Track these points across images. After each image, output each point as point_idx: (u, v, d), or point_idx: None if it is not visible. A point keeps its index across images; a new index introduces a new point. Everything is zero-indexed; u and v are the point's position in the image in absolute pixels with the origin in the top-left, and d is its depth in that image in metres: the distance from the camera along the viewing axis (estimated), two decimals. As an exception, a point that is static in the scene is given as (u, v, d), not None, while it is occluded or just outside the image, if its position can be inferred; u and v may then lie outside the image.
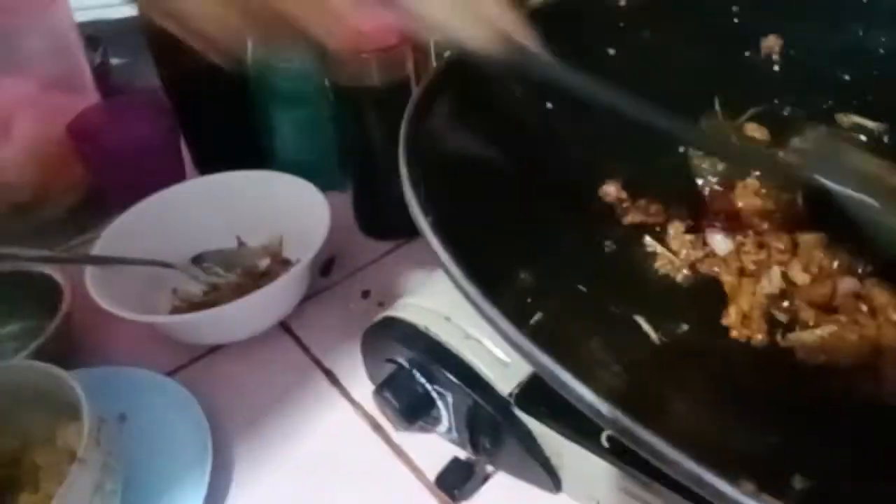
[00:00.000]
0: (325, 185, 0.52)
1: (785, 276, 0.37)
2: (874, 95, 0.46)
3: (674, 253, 0.40)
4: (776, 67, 0.49)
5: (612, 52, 0.47)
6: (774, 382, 0.34)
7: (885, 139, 0.46)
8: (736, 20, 0.49)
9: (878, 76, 0.47)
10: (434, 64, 0.58)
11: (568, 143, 0.42)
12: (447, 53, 0.43)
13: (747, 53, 0.49)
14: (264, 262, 0.53)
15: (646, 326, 0.35)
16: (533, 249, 0.36)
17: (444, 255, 0.27)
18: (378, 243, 0.57)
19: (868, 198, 0.36)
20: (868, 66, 0.47)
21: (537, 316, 0.30)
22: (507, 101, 0.43)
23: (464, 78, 0.41)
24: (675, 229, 0.41)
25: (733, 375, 0.34)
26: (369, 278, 0.53)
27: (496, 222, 0.36)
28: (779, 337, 0.35)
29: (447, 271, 0.27)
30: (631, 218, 0.42)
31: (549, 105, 0.43)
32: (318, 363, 0.46)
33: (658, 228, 0.42)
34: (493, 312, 0.24)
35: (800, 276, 0.37)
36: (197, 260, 0.53)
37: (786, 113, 0.48)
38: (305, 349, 0.48)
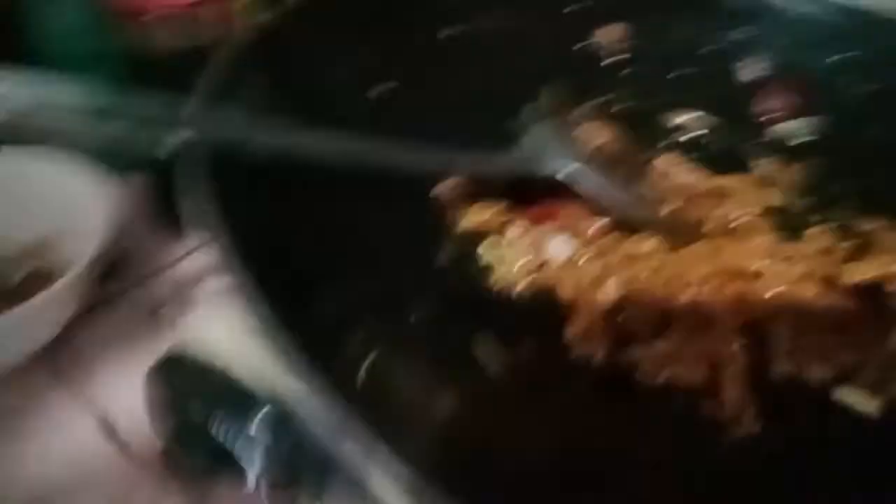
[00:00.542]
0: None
1: (623, 285, 0.35)
2: (701, 94, 0.46)
3: (510, 263, 0.37)
4: (611, 60, 0.47)
5: (446, 34, 0.43)
6: (614, 406, 0.32)
7: (710, 137, 0.46)
8: (573, 7, 0.46)
9: (705, 75, 0.46)
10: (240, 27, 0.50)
11: (397, 134, 0.37)
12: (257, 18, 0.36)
13: (583, 44, 0.47)
14: (21, 273, 0.42)
15: (484, 355, 0.31)
16: (352, 267, 0.31)
17: (240, 287, 0.21)
18: (177, 240, 0.48)
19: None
20: (697, 65, 0.46)
21: (363, 362, 0.24)
22: (328, 83, 0.37)
23: (277, 49, 0.35)
24: (513, 234, 0.38)
25: (574, 402, 0.31)
26: (163, 286, 0.44)
27: (304, 233, 0.30)
28: (619, 354, 0.33)
29: (246, 309, 0.21)
30: (466, 223, 0.38)
31: (378, 90, 0.37)
32: (90, 404, 0.37)
33: (495, 234, 0.38)
34: (297, 366, 0.19)
35: (634, 286, 0.35)
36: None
37: (617, 109, 0.46)
38: (72, 386, 0.38)
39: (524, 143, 0.36)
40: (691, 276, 0.35)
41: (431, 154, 0.32)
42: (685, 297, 0.34)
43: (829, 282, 0.37)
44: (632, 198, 0.37)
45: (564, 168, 0.35)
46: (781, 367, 0.33)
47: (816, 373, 0.33)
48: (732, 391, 0.31)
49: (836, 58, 0.44)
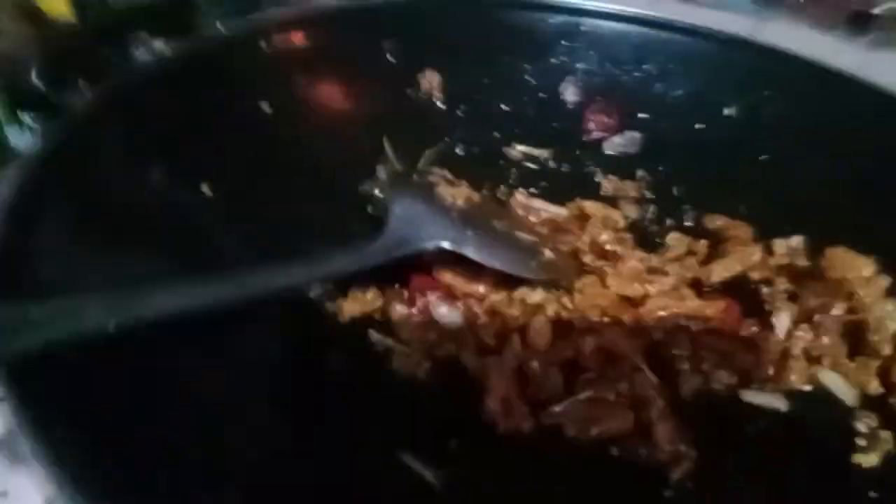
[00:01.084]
0: None
1: (524, 341, 0.34)
2: (532, 123, 0.47)
3: (406, 343, 0.34)
4: (439, 104, 0.46)
5: (266, 108, 0.38)
6: (555, 477, 0.30)
7: (551, 164, 0.46)
8: (391, 58, 0.44)
9: (532, 104, 0.47)
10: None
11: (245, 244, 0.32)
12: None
13: (408, 91, 0.45)
14: None
15: (416, 466, 0.28)
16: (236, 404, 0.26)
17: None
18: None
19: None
20: (522, 95, 0.47)
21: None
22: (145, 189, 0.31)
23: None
24: (398, 313, 0.35)
25: (516, 486, 0.29)
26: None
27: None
28: (543, 417, 0.32)
29: None
30: (349, 310, 0.34)
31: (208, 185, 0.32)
32: None
33: (380, 317, 0.35)
34: None
35: (539, 339, 0.34)
36: None
37: (459, 151, 0.45)
38: None
39: (391, 219, 0.33)
40: (587, 317, 0.35)
41: (302, 267, 0.28)
42: (586, 340, 0.33)
43: (699, 284, 0.39)
44: (510, 251, 0.35)
45: (439, 239, 0.33)
46: (690, 385, 0.34)
47: (723, 380, 0.34)
48: (663, 430, 0.30)
49: (645, 69, 0.46)
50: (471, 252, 0.33)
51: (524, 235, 0.37)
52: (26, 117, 0.52)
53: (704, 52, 0.46)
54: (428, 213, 0.34)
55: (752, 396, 0.33)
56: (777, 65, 0.44)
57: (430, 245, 0.33)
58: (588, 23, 0.48)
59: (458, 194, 0.37)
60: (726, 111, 0.45)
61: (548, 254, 0.37)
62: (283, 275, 0.27)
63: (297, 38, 0.41)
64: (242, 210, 0.34)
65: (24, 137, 0.52)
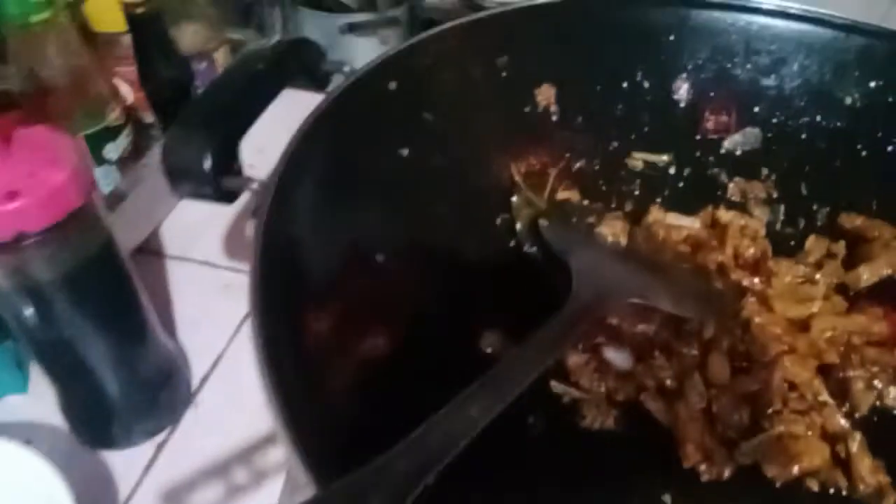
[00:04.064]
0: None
1: (704, 378, 0.34)
2: (648, 127, 0.45)
3: (586, 391, 0.34)
4: (555, 118, 0.44)
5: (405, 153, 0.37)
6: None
7: (673, 170, 0.45)
8: (505, 74, 0.42)
9: (645, 107, 0.45)
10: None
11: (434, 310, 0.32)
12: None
13: (527, 109, 0.43)
14: None
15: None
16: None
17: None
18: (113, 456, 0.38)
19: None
20: (635, 99, 0.45)
21: None
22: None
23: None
24: (574, 362, 0.35)
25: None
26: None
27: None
28: (739, 457, 0.32)
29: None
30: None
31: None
32: None
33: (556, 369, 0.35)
34: None
35: (719, 375, 0.34)
36: None
37: (581, 166, 0.44)
38: None
39: (575, 280, 0.32)
40: (761, 346, 0.35)
41: (529, 359, 0.28)
42: (773, 373, 0.34)
43: (846, 289, 0.39)
44: (688, 293, 0.35)
45: (628, 295, 0.33)
46: (866, 403, 0.34)
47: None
48: (863, 463, 0.31)
49: (758, 60, 0.45)
50: (662, 304, 0.33)
51: (687, 267, 0.37)
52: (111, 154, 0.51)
53: (818, 38, 0.44)
54: (608, 265, 0.34)
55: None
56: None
57: (622, 302, 0.33)
58: (694, 14, 0.46)
59: (615, 231, 0.37)
60: (847, 101, 0.44)
61: (715, 285, 0.37)
62: (524, 372, 0.27)
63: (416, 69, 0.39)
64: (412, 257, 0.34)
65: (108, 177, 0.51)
